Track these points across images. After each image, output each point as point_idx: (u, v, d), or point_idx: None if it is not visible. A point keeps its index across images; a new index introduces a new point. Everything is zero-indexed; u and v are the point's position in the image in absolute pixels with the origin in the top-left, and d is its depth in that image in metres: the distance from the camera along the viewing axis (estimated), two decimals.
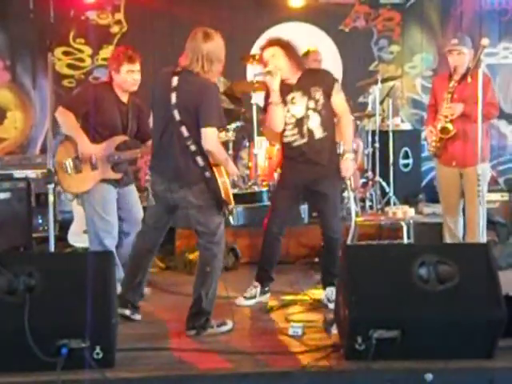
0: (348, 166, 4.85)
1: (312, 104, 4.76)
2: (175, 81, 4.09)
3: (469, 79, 5.32)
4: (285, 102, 4.79)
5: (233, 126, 7.07)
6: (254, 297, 4.88)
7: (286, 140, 4.87)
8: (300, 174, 4.84)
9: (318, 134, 4.79)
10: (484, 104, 4.96)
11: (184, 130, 4.05)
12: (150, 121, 4.48)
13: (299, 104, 4.78)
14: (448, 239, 5.66)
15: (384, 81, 7.30)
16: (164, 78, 4.18)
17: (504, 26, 8.02)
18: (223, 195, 4.09)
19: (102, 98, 4.82)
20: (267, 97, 4.86)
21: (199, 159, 4.06)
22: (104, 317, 3.48)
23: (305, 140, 4.79)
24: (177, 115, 4.05)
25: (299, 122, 4.79)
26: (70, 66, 7.92)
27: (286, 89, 4.78)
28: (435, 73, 7.81)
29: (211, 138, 4.06)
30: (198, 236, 4.22)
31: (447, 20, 8.06)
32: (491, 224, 6.05)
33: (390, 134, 7.05)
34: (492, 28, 8.00)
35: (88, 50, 7.94)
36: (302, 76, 4.83)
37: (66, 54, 7.88)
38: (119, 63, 4.84)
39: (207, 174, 4.07)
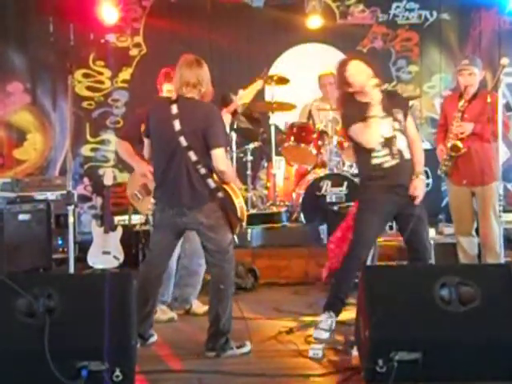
0: (422, 186, 4.70)
1: (397, 125, 4.56)
2: (175, 108, 4.12)
3: (488, 99, 5.30)
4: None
5: (251, 146, 7.12)
6: (331, 328, 4.52)
7: (375, 161, 4.53)
8: (395, 198, 4.58)
9: (407, 154, 4.59)
10: (495, 123, 4.94)
11: (192, 155, 4.07)
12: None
13: (385, 124, 4.55)
14: (462, 259, 5.63)
15: None
16: (161, 107, 4.26)
17: None
18: (239, 214, 4.10)
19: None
20: (347, 115, 4.64)
21: (210, 181, 4.10)
22: (123, 338, 3.46)
23: (397, 161, 4.54)
24: (183, 141, 4.08)
25: (388, 142, 4.53)
26: (89, 88, 7.99)
27: (364, 107, 4.53)
28: (453, 92, 7.78)
29: (222, 158, 4.11)
30: (209, 255, 4.22)
31: (466, 40, 8.06)
32: (509, 243, 6.00)
33: None
34: (511, 48, 7.98)
35: (107, 73, 8.02)
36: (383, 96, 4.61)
37: (85, 76, 7.96)
38: (160, 83, 5.05)
39: (220, 194, 4.10)
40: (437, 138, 5.93)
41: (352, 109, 4.57)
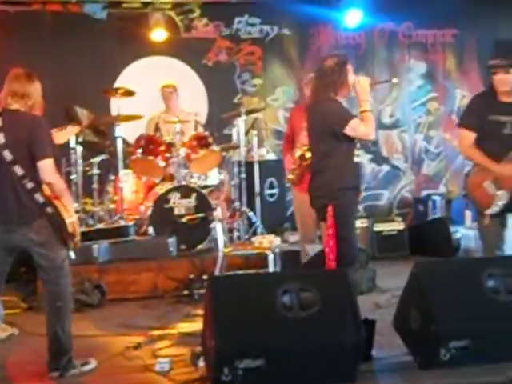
0: None
1: None
2: None
3: None
4: None
5: (97, 159, 7.00)
6: None
7: (356, 160, 4.66)
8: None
9: None
10: None
11: (18, 170, 3.96)
12: None
13: None
14: None
15: (248, 113, 7.44)
16: None
17: (359, 60, 8.39)
18: (69, 229, 4.02)
19: None
20: (342, 112, 4.62)
21: (38, 196, 3.98)
22: None
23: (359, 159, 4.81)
24: (8, 155, 3.96)
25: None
26: None
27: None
28: (296, 105, 8.05)
29: (49, 169, 3.99)
30: (44, 272, 4.10)
31: (306, 54, 8.37)
32: None
33: (256, 165, 7.18)
34: None
35: None
36: None
37: None
38: None
39: (49, 209, 3.99)
40: (284, 149, 6.14)
41: (343, 108, 4.63)
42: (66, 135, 4.96)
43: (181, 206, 6.64)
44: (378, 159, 8.79)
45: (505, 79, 4.81)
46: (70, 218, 4.05)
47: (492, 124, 4.82)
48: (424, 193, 8.71)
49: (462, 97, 8.74)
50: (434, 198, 7.82)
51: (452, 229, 7.32)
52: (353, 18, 8.04)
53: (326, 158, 4.61)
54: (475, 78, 8.63)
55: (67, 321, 4.07)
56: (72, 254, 4.15)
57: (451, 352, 3.79)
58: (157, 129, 7.33)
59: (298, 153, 5.74)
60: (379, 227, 7.53)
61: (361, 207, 8.29)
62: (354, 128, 4.51)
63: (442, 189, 8.78)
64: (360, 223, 7.28)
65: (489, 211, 4.78)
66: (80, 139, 6.85)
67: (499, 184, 4.77)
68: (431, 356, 3.84)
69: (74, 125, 5.06)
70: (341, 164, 4.57)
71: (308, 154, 5.66)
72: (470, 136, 4.91)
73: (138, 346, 4.55)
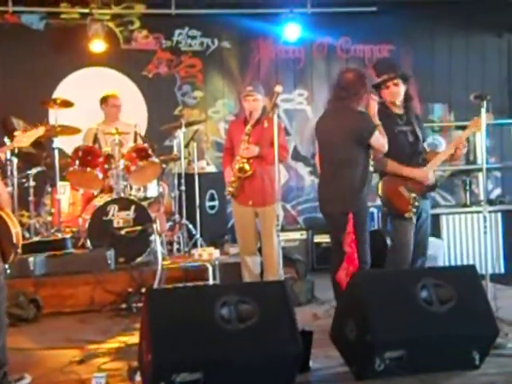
0: None
1: None
2: None
3: (265, 124, 5.64)
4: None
5: (33, 171, 6.89)
6: None
7: (371, 169, 5.09)
8: None
9: None
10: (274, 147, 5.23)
11: None
12: None
13: None
14: (247, 278, 5.89)
15: (188, 125, 7.44)
16: None
17: (298, 73, 8.50)
18: (15, 240, 3.95)
19: None
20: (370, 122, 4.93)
21: None
22: None
23: None
24: None
25: None
26: None
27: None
28: (235, 117, 8.08)
29: None
30: None
31: (246, 67, 8.39)
32: (291, 261, 6.33)
33: (196, 177, 7.18)
34: (287, 76, 8.45)
35: None
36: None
37: None
38: None
39: None
40: (223, 161, 6.16)
41: (370, 118, 4.96)
42: (30, 138, 4.84)
43: (119, 218, 6.59)
44: (317, 172, 8.88)
45: (397, 91, 5.21)
46: (16, 229, 3.98)
47: (399, 135, 5.16)
48: None
49: None
50: (371, 210, 7.92)
51: (388, 241, 7.42)
52: (292, 32, 8.13)
53: (348, 165, 4.92)
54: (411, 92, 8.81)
55: (1, 335, 3.98)
56: (8, 268, 4.08)
57: (386, 362, 3.85)
58: (95, 140, 7.24)
59: (237, 165, 5.77)
60: (318, 239, 7.60)
61: (300, 219, 8.37)
62: (377, 138, 4.90)
63: (378, 201, 8.89)
64: (299, 235, 7.35)
65: (407, 214, 5.11)
66: (16, 151, 6.72)
67: (411, 188, 5.13)
68: (366, 366, 3.89)
69: (39, 126, 4.95)
70: (362, 172, 4.95)
71: (247, 167, 5.72)
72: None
73: (81, 361, 4.48)
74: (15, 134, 4.72)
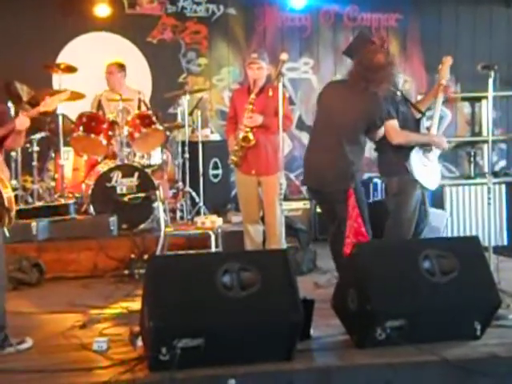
0: None
1: None
2: None
3: (270, 92, 5.59)
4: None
5: (37, 136, 6.87)
6: None
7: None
8: None
9: None
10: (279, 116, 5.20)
11: None
12: None
13: None
14: (249, 246, 5.88)
15: (193, 92, 7.41)
16: None
17: (304, 42, 8.42)
18: (6, 204, 3.94)
19: None
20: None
21: None
22: None
23: None
24: None
25: None
26: None
27: None
28: (239, 86, 8.02)
29: None
30: None
31: (252, 35, 8.32)
32: (293, 231, 6.31)
33: (200, 145, 7.15)
34: (293, 44, 8.38)
35: None
36: None
37: None
38: None
39: None
40: (227, 130, 6.12)
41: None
42: (56, 102, 4.80)
43: (123, 184, 6.59)
44: None
45: None
46: (8, 194, 3.97)
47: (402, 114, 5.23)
48: (365, 175, 8.80)
49: (404, 81, 8.84)
50: (374, 180, 7.90)
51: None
52: None
53: (352, 143, 4.97)
54: (418, 63, 8.73)
55: (0, 298, 4.00)
56: (6, 232, 4.07)
57: (387, 331, 3.86)
58: (99, 106, 7.21)
59: (241, 134, 5.73)
60: None
61: (303, 189, 8.34)
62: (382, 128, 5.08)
63: None
64: (302, 204, 7.33)
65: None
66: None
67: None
68: (367, 335, 3.90)
69: (63, 91, 4.89)
70: (361, 149, 5.06)
71: (251, 136, 5.69)
72: (396, 123, 5.19)
73: (83, 326, 4.50)
74: (46, 97, 4.67)
